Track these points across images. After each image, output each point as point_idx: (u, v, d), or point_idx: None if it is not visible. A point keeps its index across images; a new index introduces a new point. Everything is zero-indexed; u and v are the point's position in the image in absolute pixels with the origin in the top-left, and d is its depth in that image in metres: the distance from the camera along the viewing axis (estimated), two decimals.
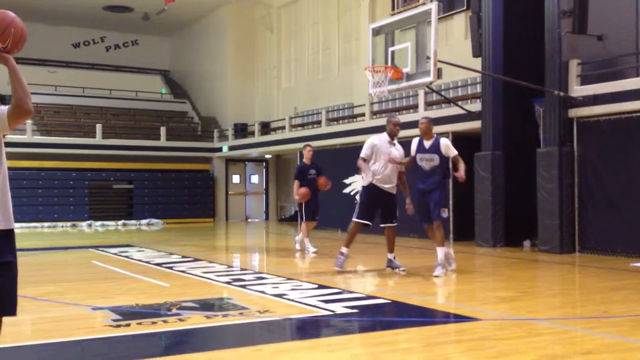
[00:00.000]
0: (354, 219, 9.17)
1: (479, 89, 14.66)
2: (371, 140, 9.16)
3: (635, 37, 12.81)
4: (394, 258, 9.41)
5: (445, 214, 8.79)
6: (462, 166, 8.73)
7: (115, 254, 12.33)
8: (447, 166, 9.04)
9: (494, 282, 8.94)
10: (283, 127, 23.37)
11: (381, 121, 17.43)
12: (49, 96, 26.88)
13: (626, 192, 11.05)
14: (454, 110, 14.51)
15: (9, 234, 3.33)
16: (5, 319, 3.37)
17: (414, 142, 9.04)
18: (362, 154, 9.07)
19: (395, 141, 9.23)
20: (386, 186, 9.06)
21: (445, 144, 8.84)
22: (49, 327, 5.58)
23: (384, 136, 9.17)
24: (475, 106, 14.15)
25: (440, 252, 8.71)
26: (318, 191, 12.70)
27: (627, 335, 5.27)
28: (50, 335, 5.17)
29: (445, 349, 4.89)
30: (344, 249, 9.18)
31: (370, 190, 9.07)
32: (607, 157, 11.41)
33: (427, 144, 8.88)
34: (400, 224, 9.66)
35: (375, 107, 18.81)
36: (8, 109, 3.22)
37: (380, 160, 8.99)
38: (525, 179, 12.99)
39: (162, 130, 25.63)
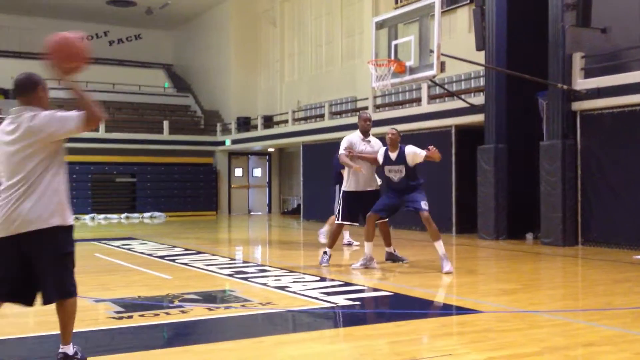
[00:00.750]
0: (336, 222, 9.24)
1: (482, 82, 14.62)
2: (346, 138, 9.15)
3: (639, 30, 12.76)
4: (394, 251, 9.42)
5: (426, 205, 8.49)
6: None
7: (118, 246, 12.35)
8: (415, 174, 8.69)
9: (496, 274, 8.94)
10: (286, 121, 23.35)
11: (384, 115, 17.45)
12: (52, 90, 26.46)
13: (629, 184, 11.04)
14: (457, 104, 14.50)
15: (70, 228, 4.08)
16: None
17: (381, 153, 8.87)
18: (342, 151, 9.03)
19: (371, 138, 9.14)
20: (368, 188, 9.05)
21: (411, 152, 8.54)
22: (52, 319, 5.57)
23: (356, 134, 9.15)
24: (479, 99, 14.12)
25: (439, 245, 8.57)
26: None
27: (629, 327, 5.27)
28: (53, 327, 5.17)
29: (447, 340, 4.90)
30: (327, 250, 9.18)
31: (350, 194, 9.07)
32: (610, 150, 11.39)
33: (393, 155, 8.65)
34: (398, 217, 9.63)
35: (379, 101, 18.78)
36: (79, 116, 3.94)
37: (355, 161, 8.95)
38: (528, 172, 12.98)
39: (165, 124, 25.64)
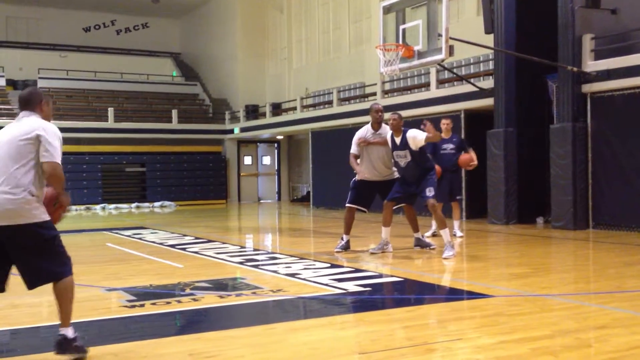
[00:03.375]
0: (347, 204, 9.24)
1: (491, 65, 14.54)
2: (357, 133, 9.08)
3: None
4: (422, 236, 9.38)
5: (430, 192, 8.44)
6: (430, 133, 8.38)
7: (129, 236, 12.41)
8: (422, 157, 8.61)
9: (507, 259, 8.92)
10: (294, 108, 23.31)
11: (393, 100, 17.39)
12: (60, 81, 26.94)
13: None
14: (466, 88, 14.42)
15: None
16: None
17: (388, 138, 8.80)
18: (352, 150, 9.00)
19: (382, 130, 8.98)
20: (381, 178, 9.02)
21: (412, 136, 8.45)
22: None
23: (368, 128, 9.06)
24: (488, 83, 14.05)
25: (444, 233, 8.55)
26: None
27: None
28: None
29: (458, 325, 4.90)
30: (344, 236, 9.21)
31: (362, 182, 9.08)
32: (621, 133, 11.31)
33: (398, 140, 8.60)
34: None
35: (387, 86, 18.72)
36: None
37: (367, 156, 8.93)
38: (538, 155, 12.92)
39: (174, 112, 25.66)
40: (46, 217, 4.13)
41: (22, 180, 4.05)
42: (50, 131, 4.20)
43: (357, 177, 9.14)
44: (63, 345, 4.08)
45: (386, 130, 8.98)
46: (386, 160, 8.96)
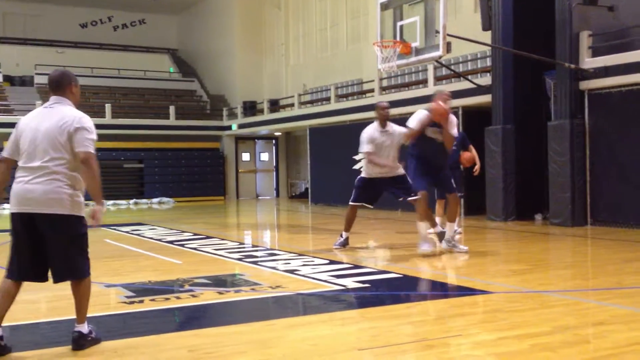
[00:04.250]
0: (350, 203, 9.18)
1: (489, 62, 14.54)
2: (366, 133, 8.90)
3: None
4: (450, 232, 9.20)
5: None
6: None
7: (128, 232, 12.40)
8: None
9: (506, 255, 8.94)
10: (292, 105, 23.31)
11: (391, 97, 17.38)
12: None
13: (638, 163, 10.97)
14: (464, 85, 14.41)
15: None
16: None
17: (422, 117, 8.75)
18: (367, 149, 8.81)
19: (389, 127, 8.94)
20: (390, 174, 8.93)
21: (453, 121, 8.53)
22: (63, 304, 5.62)
23: (374, 126, 8.97)
24: (486, 80, 14.05)
25: (421, 227, 8.61)
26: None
27: None
28: (65, 312, 5.21)
29: (457, 321, 4.91)
30: (343, 232, 9.18)
31: (369, 180, 9.02)
32: (618, 129, 11.32)
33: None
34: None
35: (385, 83, 18.71)
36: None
37: (381, 152, 8.87)
38: (537, 152, 12.93)
39: (171, 109, 25.63)
40: (83, 213, 4.28)
41: (61, 170, 4.14)
42: (87, 124, 4.25)
43: (363, 175, 9.05)
44: (79, 341, 4.21)
45: (396, 129, 8.93)
46: (396, 156, 8.93)
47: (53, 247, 4.18)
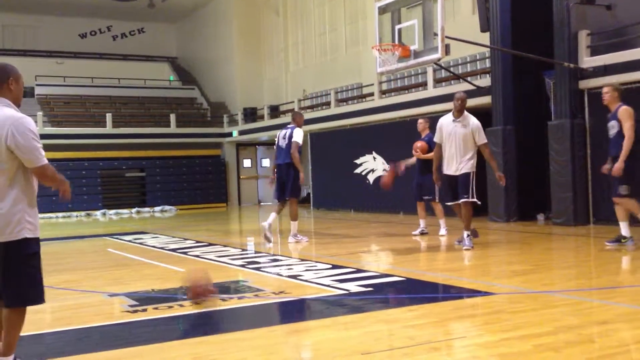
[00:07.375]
0: (448, 203, 9.46)
1: (488, 64, 14.55)
2: (439, 121, 9.07)
3: None
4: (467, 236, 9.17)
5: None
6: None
7: (130, 241, 12.41)
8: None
9: (508, 256, 8.93)
10: (292, 110, 23.31)
11: (390, 100, 17.40)
12: (58, 87, 26.96)
13: None
14: (463, 87, 14.40)
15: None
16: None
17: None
18: (435, 139, 9.14)
19: (463, 117, 8.88)
20: (457, 173, 8.98)
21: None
22: (68, 314, 5.64)
23: (449, 115, 9.06)
24: (485, 81, 14.06)
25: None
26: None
27: None
28: (69, 322, 5.23)
29: (460, 323, 4.91)
30: (466, 232, 9.08)
31: (445, 176, 9.18)
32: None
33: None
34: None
35: (384, 86, 18.72)
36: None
37: (446, 144, 8.94)
38: (538, 152, 12.92)
39: (172, 117, 25.67)
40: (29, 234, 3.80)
41: (5, 191, 3.70)
42: (22, 128, 3.67)
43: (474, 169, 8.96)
44: None
45: (471, 121, 8.89)
46: (464, 152, 8.92)
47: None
